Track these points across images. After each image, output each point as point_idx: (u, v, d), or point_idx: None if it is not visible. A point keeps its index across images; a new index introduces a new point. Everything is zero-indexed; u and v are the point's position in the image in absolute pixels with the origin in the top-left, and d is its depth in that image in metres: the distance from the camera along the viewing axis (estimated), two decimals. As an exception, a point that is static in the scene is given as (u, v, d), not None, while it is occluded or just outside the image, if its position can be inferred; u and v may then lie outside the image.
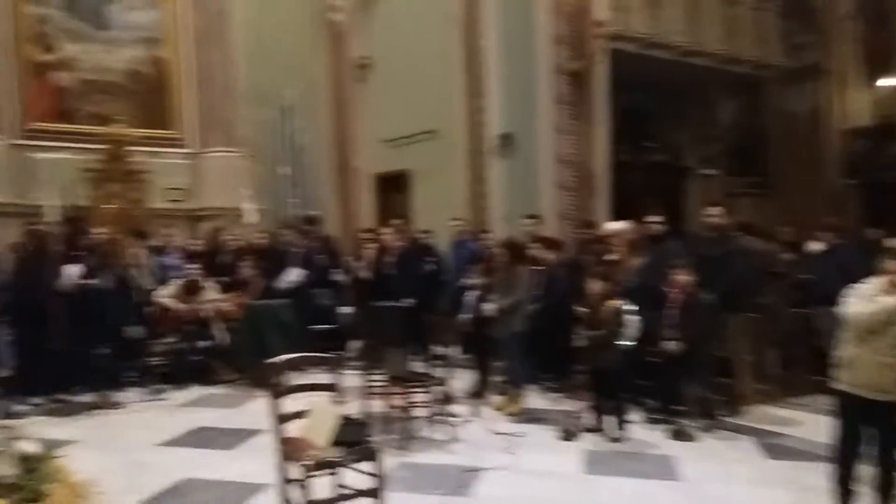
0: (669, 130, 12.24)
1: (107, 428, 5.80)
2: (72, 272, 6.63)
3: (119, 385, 6.95)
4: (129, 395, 6.87)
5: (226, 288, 7.76)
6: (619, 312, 5.30)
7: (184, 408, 6.51)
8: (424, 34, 10.47)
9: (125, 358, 7.13)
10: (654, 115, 11.92)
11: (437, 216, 9.49)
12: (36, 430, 4.84)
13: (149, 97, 10.72)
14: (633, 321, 5.28)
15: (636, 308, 5.33)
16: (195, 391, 7.05)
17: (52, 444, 4.52)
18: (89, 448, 5.05)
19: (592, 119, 8.89)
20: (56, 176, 9.64)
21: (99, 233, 7.69)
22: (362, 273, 7.92)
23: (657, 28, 9.66)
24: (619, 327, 5.26)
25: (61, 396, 6.57)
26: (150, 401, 6.74)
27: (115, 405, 6.52)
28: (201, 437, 5.48)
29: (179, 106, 10.91)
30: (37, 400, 6.45)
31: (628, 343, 5.25)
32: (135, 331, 7.03)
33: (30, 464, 3.99)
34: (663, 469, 4.66)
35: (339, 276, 8.35)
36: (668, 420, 5.48)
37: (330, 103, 12.36)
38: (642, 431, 5.44)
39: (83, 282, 6.66)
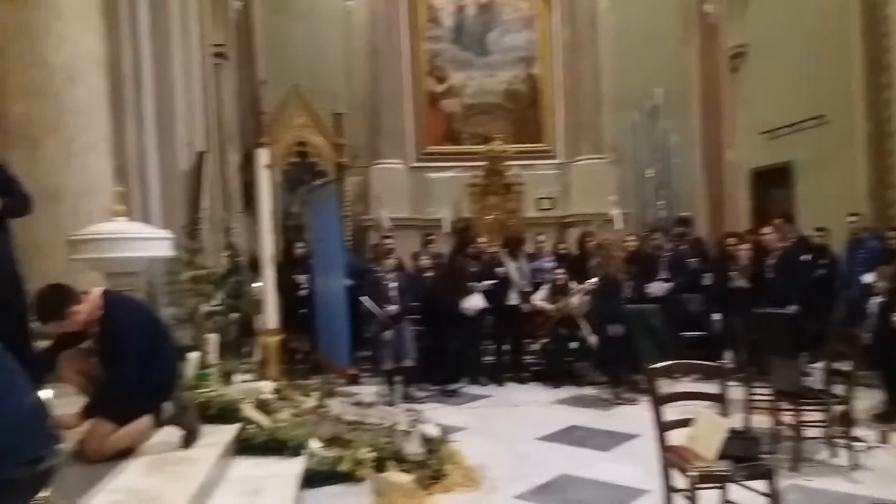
0: None
1: (490, 419, 6.25)
2: (476, 302, 7.40)
3: (501, 380, 7.53)
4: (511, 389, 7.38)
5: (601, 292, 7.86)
6: None
7: (556, 406, 6.73)
8: (811, 12, 9.44)
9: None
10: None
11: (826, 212, 8.41)
12: (432, 415, 5.50)
13: (522, 113, 11.58)
14: None
15: None
16: (566, 391, 7.24)
17: (446, 430, 5.09)
18: (476, 436, 5.50)
19: None
20: (446, 192, 11.03)
21: (484, 242, 8.44)
22: (737, 278, 7.36)
23: None
24: None
25: (452, 387, 7.32)
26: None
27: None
28: (575, 436, 5.59)
29: (550, 119, 11.58)
30: (431, 388, 7.27)
31: None
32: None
33: (431, 445, 4.51)
34: None
35: (710, 281, 7.88)
36: None
37: (700, 99, 11.86)
38: None
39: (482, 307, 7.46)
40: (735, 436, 3.11)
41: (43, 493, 2.31)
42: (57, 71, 4.66)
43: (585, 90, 11.30)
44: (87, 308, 3.37)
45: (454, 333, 7.28)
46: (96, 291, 3.50)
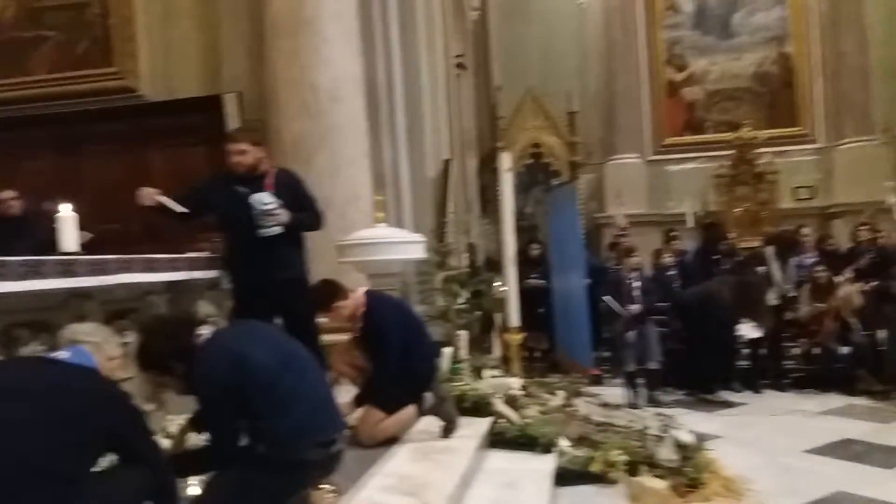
0: None
1: (747, 428, 5.83)
2: (752, 332, 6.95)
3: (757, 387, 6.99)
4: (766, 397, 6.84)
5: (875, 292, 6.98)
6: None
7: (824, 416, 6.10)
8: None
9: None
10: None
11: None
12: (682, 421, 5.24)
13: (774, 96, 10.79)
14: None
15: None
16: (835, 399, 6.54)
17: (699, 437, 4.83)
18: (733, 445, 5.15)
19: None
20: (687, 185, 10.53)
21: (734, 237, 7.92)
22: None
23: None
24: None
25: (702, 394, 6.92)
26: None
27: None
28: (851, 450, 5.05)
29: (808, 100, 10.67)
30: (678, 393, 6.92)
31: None
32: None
33: (686, 452, 4.32)
34: None
35: None
36: None
37: None
38: None
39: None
40: None
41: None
42: (323, 92, 5.19)
43: (849, 65, 10.23)
44: (351, 304, 3.72)
45: (708, 337, 6.83)
46: (360, 291, 3.84)
